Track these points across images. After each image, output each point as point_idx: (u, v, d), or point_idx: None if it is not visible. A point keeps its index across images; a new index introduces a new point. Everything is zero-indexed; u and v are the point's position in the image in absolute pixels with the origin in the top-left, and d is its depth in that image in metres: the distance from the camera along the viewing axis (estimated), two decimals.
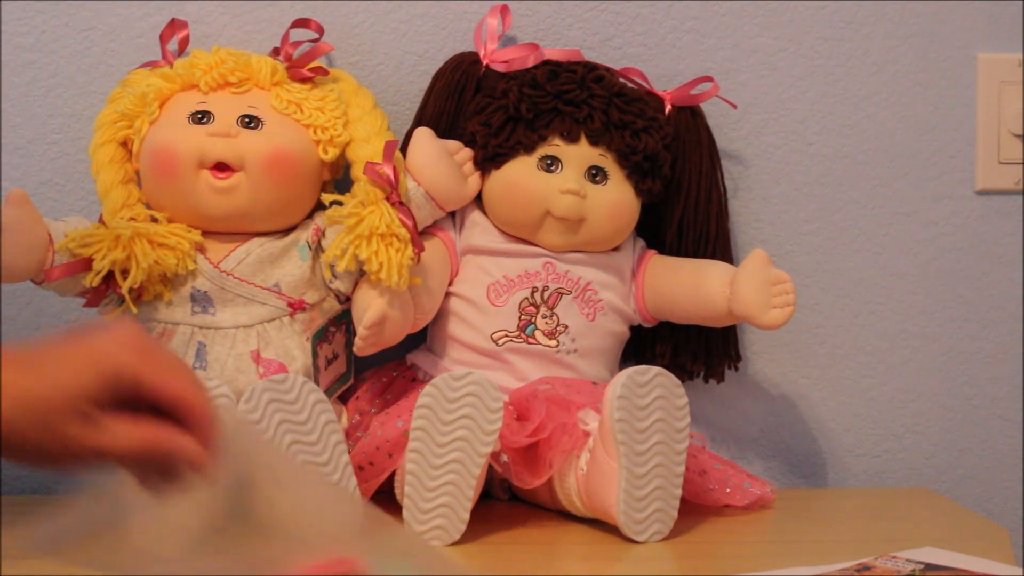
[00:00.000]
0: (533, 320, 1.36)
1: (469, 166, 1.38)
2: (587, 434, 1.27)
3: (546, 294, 1.37)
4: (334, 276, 1.33)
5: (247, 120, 1.32)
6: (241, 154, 1.30)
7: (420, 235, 1.32)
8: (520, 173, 1.36)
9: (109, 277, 1.28)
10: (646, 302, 1.41)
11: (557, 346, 1.36)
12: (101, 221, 1.33)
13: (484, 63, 1.42)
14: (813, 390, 1.53)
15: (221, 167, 1.30)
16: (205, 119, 1.32)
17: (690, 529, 1.28)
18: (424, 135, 1.36)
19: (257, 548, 0.88)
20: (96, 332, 0.87)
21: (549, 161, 1.36)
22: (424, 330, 1.39)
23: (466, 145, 1.39)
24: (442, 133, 1.39)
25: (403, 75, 1.47)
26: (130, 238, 1.28)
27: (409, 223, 1.28)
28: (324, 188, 1.37)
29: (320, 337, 1.32)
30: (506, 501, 1.39)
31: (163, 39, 1.41)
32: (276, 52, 1.40)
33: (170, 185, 1.31)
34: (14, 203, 1.25)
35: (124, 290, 1.28)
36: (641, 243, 1.43)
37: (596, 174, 1.37)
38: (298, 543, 0.88)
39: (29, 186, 1.43)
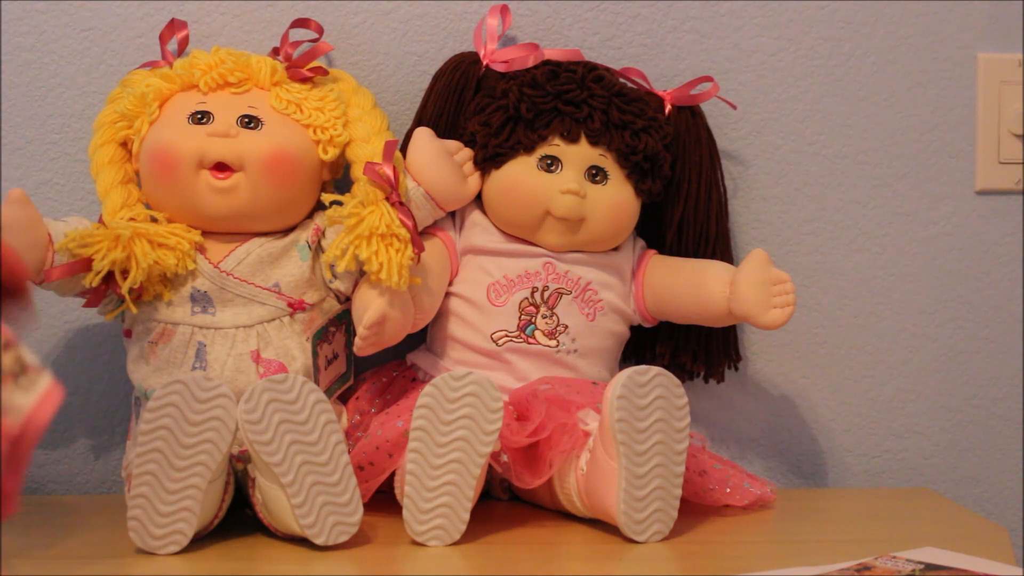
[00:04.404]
0: (533, 320, 1.36)
1: (469, 166, 1.38)
2: (587, 434, 1.27)
3: (546, 294, 1.37)
4: (334, 276, 1.33)
5: (247, 120, 1.32)
6: (241, 154, 1.30)
7: (420, 235, 1.32)
8: (520, 173, 1.36)
9: (109, 277, 1.28)
10: (646, 302, 1.41)
11: (557, 346, 1.36)
12: (101, 221, 1.33)
13: (484, 63, 1.42)
14: (813, 390, 1.53)
15: (221, 167, 1.30)
16: (205, 119, 1.32)
17: (690, 529, 1.28)
18: (424, 135, 1.36)
19: None
20: None
21: (549, 161, 1.36)
22: (424, 330, 1.39)
23: (466, 145, 1.39)
24: (442, 133, 1.39)
25: (403, 75, 1.47)
26: (130, 238, 1.28)
27: (409, 223, 1.28)
28: (324, 188, 1.37)
29: (320, 337, 1.32)
30: (506, 501, 1.39)
31: (163, 39, 1.41)
32: (276, 52, 1.40)
33: (170, 185, 1.31)
34: (14, 203, 1.25)
35: (124, 290, 1.28)
36: (641, 243, 1.43)
37: (596, 174, 1.37)
38: None
39: (29, 186, 1.44)
